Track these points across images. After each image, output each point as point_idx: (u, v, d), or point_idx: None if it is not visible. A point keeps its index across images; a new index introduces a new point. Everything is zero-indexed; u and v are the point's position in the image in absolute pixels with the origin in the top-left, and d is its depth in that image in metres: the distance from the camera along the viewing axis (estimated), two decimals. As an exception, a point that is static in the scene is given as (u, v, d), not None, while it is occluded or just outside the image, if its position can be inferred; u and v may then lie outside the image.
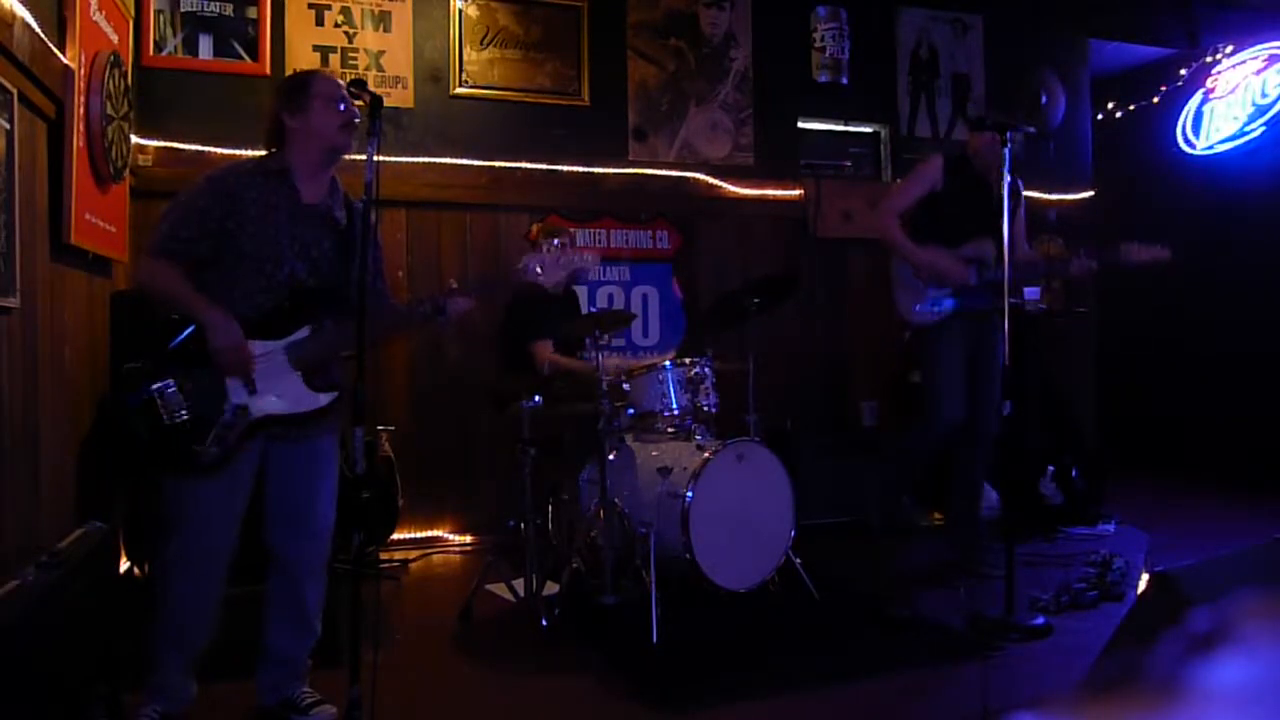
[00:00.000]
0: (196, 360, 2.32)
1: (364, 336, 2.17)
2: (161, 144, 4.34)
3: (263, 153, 2.52)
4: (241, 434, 2.34)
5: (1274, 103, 6.16)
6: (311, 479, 2.51)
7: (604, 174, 5.14)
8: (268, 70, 4.55)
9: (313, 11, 4.65)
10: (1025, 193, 5.76)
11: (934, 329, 3.93)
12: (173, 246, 2.35)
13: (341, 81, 2.49)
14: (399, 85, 4.77)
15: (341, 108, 2.44)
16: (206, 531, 2.38)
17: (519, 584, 3.51)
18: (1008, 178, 3.27)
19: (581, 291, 4.88)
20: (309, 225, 2.46)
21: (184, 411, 2.30)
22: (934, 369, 3.95)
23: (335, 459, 2.59)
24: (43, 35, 2.83)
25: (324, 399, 2.43)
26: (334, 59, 4.66)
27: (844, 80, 5.57)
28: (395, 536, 4.44)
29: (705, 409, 3.70)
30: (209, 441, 2.31)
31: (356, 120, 2.47)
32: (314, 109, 2.42)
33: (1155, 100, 6.78)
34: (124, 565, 3.67)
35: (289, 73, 4.59)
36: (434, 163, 4.80)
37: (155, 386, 2.29)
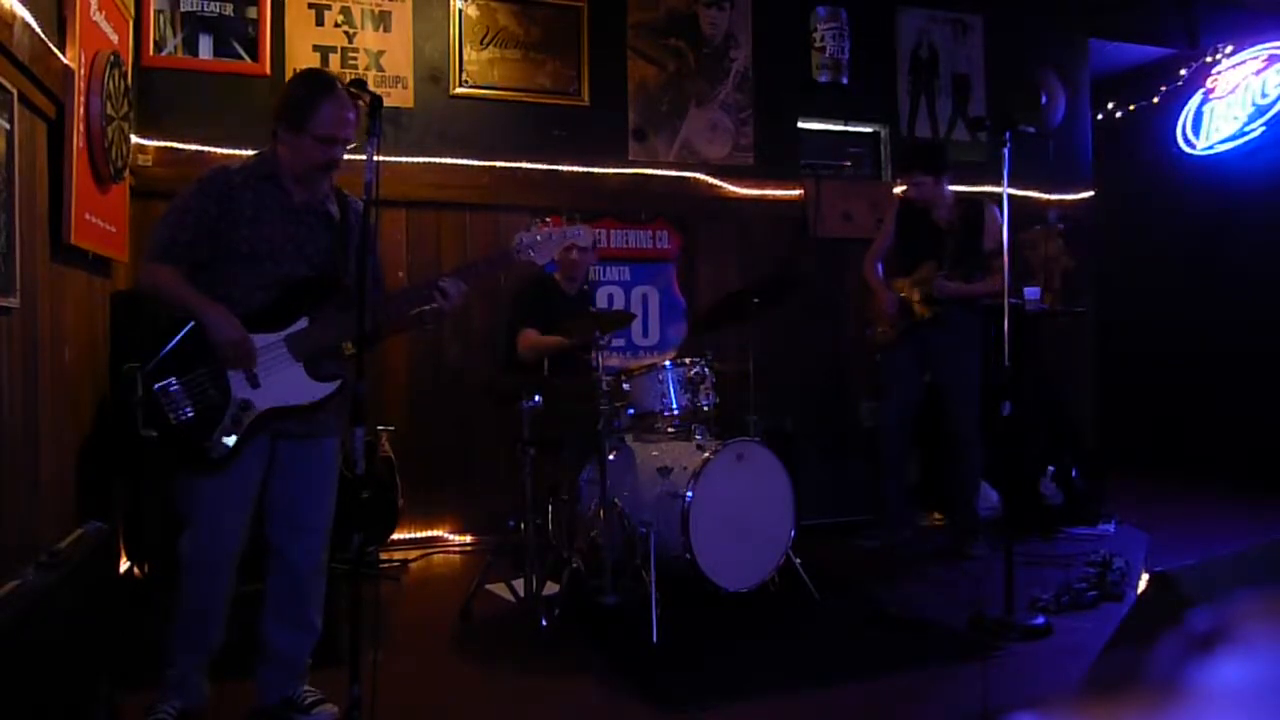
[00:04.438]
0: (198, 357, 2.34)
1: (363, 334, 2.17)
2: (161, 144, 4.34)
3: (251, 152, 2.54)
4: (248, 428, 2.36)
5: (1274, 103, 6.16)
6: (317, 478, 2.53)
7: (604, 174, 5.13)
8: (268, 70, 4.55)
9: (313, 11, 4.65)
10: (1025, 192, 5.86)
11: (888, 348, 4.47)
12: (173, 251, 2.37)
13: (345, 117, 2.39)
14: (399, 85, 4.77)
15: (325, 152, 2.39)
16: (219, 527, 2.40)
17: (519, 584, 3.51)
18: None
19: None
20: (304, 225, 2.47)
21: (189, 409, 2.32)
22: (884, 382, 4.57)
23: (338, 460, 2.62)
24: (43, 35, 2.83)
25: (328, 388, 2.44)
26: (334, 59, 4.66)
27: (844, 80, 5.57)
28: (395, 536, 4.44)
29: (705, 409, 3.69)
30: (216, 437, 2.33)
31: (338, 162, 2.43)
32: (305, 141, 2.38)
33: (1155, 100, 6.77)
34: (124, 565, 3.67)
35: (293, 73, 4.60)
36: (434, 163, 4.79)
37: (159, 385, 2.31)
